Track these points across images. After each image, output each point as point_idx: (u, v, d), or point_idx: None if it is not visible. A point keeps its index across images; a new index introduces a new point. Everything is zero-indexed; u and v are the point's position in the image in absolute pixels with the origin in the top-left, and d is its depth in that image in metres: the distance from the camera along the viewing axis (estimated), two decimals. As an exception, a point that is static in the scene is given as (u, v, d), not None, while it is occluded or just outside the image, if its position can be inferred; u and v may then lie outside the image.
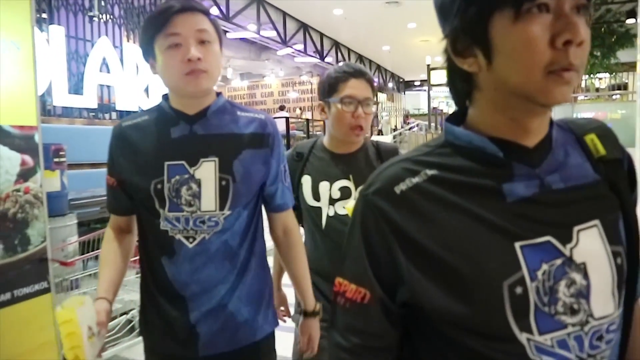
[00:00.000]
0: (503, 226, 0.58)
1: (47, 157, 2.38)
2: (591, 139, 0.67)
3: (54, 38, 4.73)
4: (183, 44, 1.10)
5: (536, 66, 0.55)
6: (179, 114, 1.19)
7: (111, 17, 5.94)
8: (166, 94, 1.25)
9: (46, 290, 2.22)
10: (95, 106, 5.18)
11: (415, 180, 0.62)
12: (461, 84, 0.64)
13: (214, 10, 8.87)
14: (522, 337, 0.57)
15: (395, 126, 18.47)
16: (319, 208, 1.58)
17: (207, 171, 1.17)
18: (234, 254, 1.22)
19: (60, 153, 3.01)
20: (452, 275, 0.58)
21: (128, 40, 6.05)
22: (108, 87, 5.43)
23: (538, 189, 0.60)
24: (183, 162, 1.16)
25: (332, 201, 1.57)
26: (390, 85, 21.21)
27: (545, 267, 0.58)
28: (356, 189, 1.57)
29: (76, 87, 5.06)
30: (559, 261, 0.58)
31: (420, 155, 0.65)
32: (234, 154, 1.19)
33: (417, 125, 16.51)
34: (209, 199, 1.17)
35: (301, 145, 1.67)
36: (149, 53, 1.16)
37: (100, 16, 5.74)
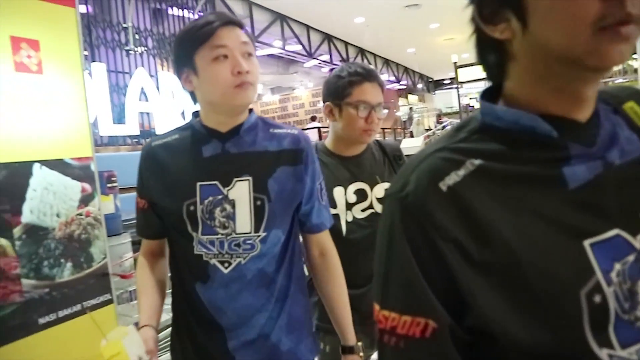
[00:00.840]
0: (568, 221, 0.49)
1: (101, 183, 2.66)
2: (630, 107, 0.58)
3: (97, 74, 5.14)
4: (230, 56, 1.07)
5: (582, 22, 0.46)
6: (211, 132, 1.15)
7: (145, 49, 6.35)
8: (197, 112, 1.21)
9: (109, 302, 2.50)
10: (138, 133, 5.56)
11: (462, 172, 0.51)
12: (493, 56, 0.55)
13: (240, 32, 9.25)
14: (603, 353, 0.47)
15: (429, 126, 18.40)
16: (337, 215, 1.51)
17: (241, 191, 1.12)
18: (271, 281, 1.16)
19: (112, 179, 3.31)
20: (519, 288, 0.48)
21: (162, 69, 6.45)
22: (147, 114, 5.82)
23: (602, 170, 0.51)
24: (216, 182, 1.12)
25: (349, 206, 1.52)
26: (419, 86, 21.16)
27: (618, 266, 0.48)
28: (371, 189, 1.53)
29: (119, 117, 5.45)
30: (631, 257, 0.49)
31: (458, 142, 0.55)
32: (268, 172, 1.14)
33: (450, 123, 16.45)
34: (243, 220, 1.12)
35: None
36: (187, 65, 1.11)
37: (136, 49, 6.15)
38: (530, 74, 0.53)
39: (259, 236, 1.13)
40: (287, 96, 18.90)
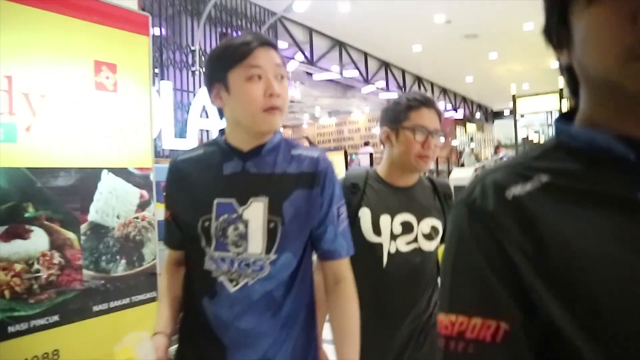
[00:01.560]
0: None
1: (158, 192, 2.89)
2: None
3: (164, 91, 5.60)
4: (263, 78, 1.08)
5: (614, 50, 0.47)
6: (233, 150, 1.15)
7: (210, 70, 6.82)
8: (223, 129, 1.20)
9: (154, 299, 2.78)
10: (197, 148, 5.96)
11: (529, 187, 0.51)
12: (567, 78, 0.57)
13: (299, 56, 9.64)
14: None
15: (486, 157, 18.10)
16: (380, 244, 1.46)
17: (255, 211, 1.11)
18: (278, 306, 1.14)
19: (168, 188, 3.65)
20: (581, 303, 0.46)
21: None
22: (207, 131, 6.23)
23: None
24: (233, 200, 1.11)
25: (393, 237, 1.46)
26: (477, 115, 20.91)
27: None
28: (418, 223, 1.48)
29: (181, 132, 5.88)
30: None
31: (529, 161, 0.55)
32: (284, 194, 1.13)
33: (506, 156, 16.12)
34: (256, 241, 1.11)
35: (353, 175, 1.55)
36: (219, 81, 1.11)
37: (201, 70, 6.63)
38: (593, 95, 0.53)
39: (269, 258, 1.11)
40: (344, 120, 19.22)
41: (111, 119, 2.68)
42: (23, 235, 2.26)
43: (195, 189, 1.15)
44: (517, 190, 0.51)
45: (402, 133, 1.46)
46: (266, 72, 1.08)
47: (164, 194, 1.26)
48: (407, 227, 1.48)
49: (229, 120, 1.16)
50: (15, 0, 2.29)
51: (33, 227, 2.29)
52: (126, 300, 2.65)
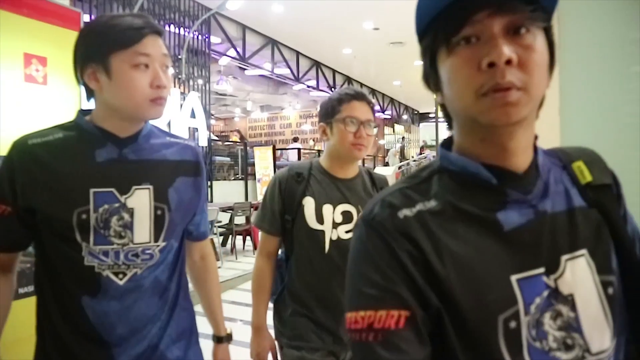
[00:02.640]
0: (500, 258, 0.58)
1: None
2: (578, 165, 0.67)
3: (92, 81, 5.60)
4: (151, 67, 1.03)
5: (468, 90, 0.57)
6: (106, 135, 1.07)
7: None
8: (85, 110, 1.12)
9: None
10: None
11: (416, 209, 0.61)
12: (443, 114, 0.67)
13: (231, 52, 9.76)
14: None
15: (412, 156, 18.99)
16: (322, 232, 1.53)
17: (140, 200, 1.07)
18: (165, 289, 1.14)
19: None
20: (453, 304, 0.57)
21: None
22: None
23: (533, 216, 0.60)
24: (112, 189, 1.05)
25: (335, 225, 1.54)
26: (404, 117, 21.85)
27: (537, 300, 0.57)
28: (357, 213, 1.56)
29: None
30: (545, 293, 0.58)
31: (419, 183, 0.65)
32: (168, 181, 1.13)
33: (426, 156, 17.04)
34: (142, 230, 1.07)
35: (298, 165, 1.62)
36: (97, 61, 1.01)
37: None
38: (462, 129, 0.64)
39: (158, 246, 1.10)
40: (276, 115, 19.40)
41: (40, 110, 2.80)
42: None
43: (61, 178, 1.03)
44: (406, 212, 0.61)
45: (335, 125, 1.53)
46: (154, 61, 1.04)
47: None
48: (347, 217, 1.55)
49: (104, 104, 1.06)
50: (-54, -8, 2.38)
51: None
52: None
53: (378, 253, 0.59)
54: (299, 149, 11.41)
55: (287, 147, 13.69)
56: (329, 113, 1.55)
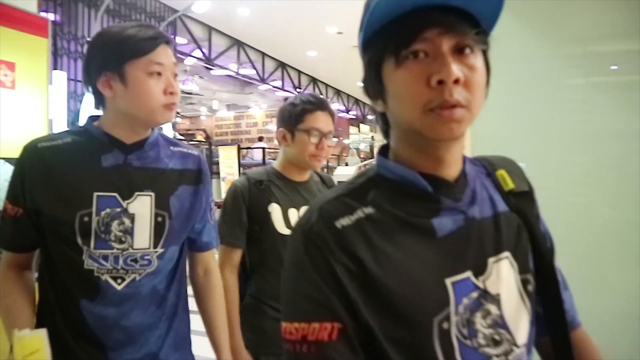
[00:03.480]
0: (435, 262, 0.61)
1: None
2: (501, 174, 0.72)
3: (57, 81, 5.68)
4: (163, 75, 1.08)
5: (415, 105, 0.58)
6: (113, 141, 1.10)
7: (105, 61, 6.93)
8: (94, 117, 1.16)
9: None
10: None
11: (354, 217, 0.62)
12: (381, 124, 0.69)
13: (197, 53, 9.89)
14: None
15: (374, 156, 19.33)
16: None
17: (142, 206, 1.09)
18: (162, 298, 1.15)
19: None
20: (388, 308, 0.58)
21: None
22: (100, 121, 6.36)
23: (463, 223, 0.63)
24: (115, 194, 1.08)
25: None
26: (370, 117, 22.27)
27: (465, 301, 0.60)
28: None
29: (73, 121, 5.98)
30: (475, 294, 0.61)
31: (357, 190, 0.66)
32: (170, 189, 1.15)
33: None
34: (142, 236, 1.09)
35: (255, 173, 1.61)
36: (112, 70, 1.05)
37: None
38: (400, 139, 0.65)
39: (156, 252, 1.11)
40: (242, 114, 19.47)
41: (9, 113, 2.96)
42: None
43: (67, 181, 1.06)
44: (344, 221, 0.61)
45: (297, 135, 1.52)
46: (166, 70, 1.08)
47: (10, 185, 1.09)
48: None
49: (115, 110, 1.10)
50: None
51: None
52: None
53: (313, 265, 0.60)
54: (263, 149, 11.56)
55: (252, 147, 13.84)
56: (291, 120, 1.53)
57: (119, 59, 1.05)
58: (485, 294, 0.62)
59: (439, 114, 0.58)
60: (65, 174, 1.07)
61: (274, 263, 1.53)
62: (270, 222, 1.51)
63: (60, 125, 5.67)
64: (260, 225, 1.51)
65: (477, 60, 0.60)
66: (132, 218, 1.09)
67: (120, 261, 1.08)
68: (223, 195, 9.43)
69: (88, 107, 5.99)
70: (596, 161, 1.69)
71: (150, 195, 1.11)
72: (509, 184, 0.71)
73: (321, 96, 1.60)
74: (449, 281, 0.60)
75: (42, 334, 0.94)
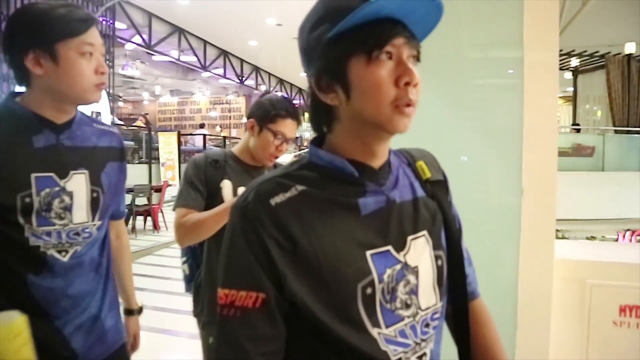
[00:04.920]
0: (358, 237, 0.68)
1: None
2: (420, 164, 0.81)
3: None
4: (94, 55, 1.11)
5: (385, 101, 0.66)
6: (43, 122, 1.11)
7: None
8: (16, 93, 1.14)
9: None
10: None
11: (288, 194, 0.68)
12: (322, 115, 0.73)
13: (137, 39, 9.95)
14: (374, 332, 0.67)
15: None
16: None
17: (78, 183, 1.15)
18: (98, 264, 1.23)
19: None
20: (317, 277, 0.66)
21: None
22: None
23: (385, 204, 0.72)
24: (52, 174, 1.11)
25: None
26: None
27: (389, 271, 0.69)
28: None
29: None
30: (398, 266, 0.70)
31: (291, 173, 0.72)
32: (100, 166, 1.21)
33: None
34: (80, 211, 1.16)
35: (212, 153, 1.73)
36: (41, 48, 1.05)
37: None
38: (348, 131, 0.71)
39: (94, 224, 1.19)
40: (187, 100, 19.39)
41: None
42: None
43: (1, 164, 1.07)
44: (279, 198, 0.67)
45: (264, 131, 1.62)
46: (96, 50, 1.11)
47: None
48: None
49: (43, 88, 1.09)
50: None
51: None
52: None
53: (247, 241, 0.66)
54: (204, 135, 11.80)
55: (192, 133, 13.98)
56: (264, 116, 1.63)
57: (50, 37, 1.06)
58: (406, 266, 0.70)
59: (402, 111, 0.66)
60: None
61: (222, 234, 1.75)
62: (221, 196, 1.62)
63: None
64: (213, 198, 1.61)
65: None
66: (70, 195, 1.13)
67: (64, 235, 1.13)
68: (162, 180, 9.65)
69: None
70: (492, 153, 1.94)
71: (85, 173, 1.17)
72: (427, 173, 0.80)
73: (294, 103, 1.70)
74: (369, 253, 0.68)
75: (21, 315, 0.98)
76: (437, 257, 0.76)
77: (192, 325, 1.77)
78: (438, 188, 0.81)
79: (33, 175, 1.08)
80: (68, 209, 1.13)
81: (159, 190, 8.08)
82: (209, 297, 1.63)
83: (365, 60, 0.66)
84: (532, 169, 1.87)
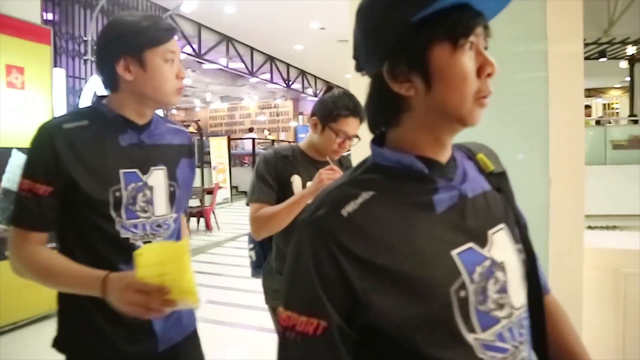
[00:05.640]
0: (439, 236, 0.64)
1: None
2: (481, 157, 0.77)
3: (57, 78, 6.24)
4: (175, 62, 1.20)
5: (469, 93, 0.62)
6: (127, 123, 1.21)
7: (100, 59, 7.47)
8: (101, 97, 1.24)
9: (55, 248, 3.72)
10: (86, 129, 6.64)
11: (359, 201, 0.63)
12: (390, 107, 0.67)
13: (187, 49, 10.39)
14: (470, 337, 0.61)
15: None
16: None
17: (157, 178, 1.23)
18: None
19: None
20: (405, 288, 0.60)
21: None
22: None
23: (458, 199, 0.67)
24: (136, 169, 1.20)
25: None
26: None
27: (479, 269, 0.64)
28: None
29: (72, 115, 6.57)
30: (487, 263, 0.65)
31: (357, 178, 0.68)
32: (176, 162, 1.30)
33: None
34: (161, 204, 1.23)
35: (281, 149, 1.79)
36: (131, 55, 1.15)
37: (92, 58, 7.30)
38: (420, 124, 0.66)
39: (172, 217, 1.27)
40: (236, 105, 19.95)
41: (19, 109, 3.57)
42: (-47, 195, 3.13)
43: (95, 160, 1.14)
44: (350, 207, 0.62)
45: (327, 130, 1.67)
46: (176, 57, 1.20)
47: (37, 164, 1.11)
48: None
49: (130, 92, 1.18)
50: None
51: (-40, 190, 3.16)
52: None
53: (314, 258, 0.61)
54: (253, 139, 12.14)
55: (242, 137, 14.37)
56: (327, 116, 1.67)
57: (139, 45, 1.15)
58: (494, 263, 0.66)
59: (482, 103, 0.63)
60: (92, 153, 1.15)
61: (291, 228, 1.64)
62: (291, 190, 1.68)
63: (61, 119, 6.24)
64: (284, 192, 1.67)
65: None
66: (151, 189, 1.21)
67: (148, 227, 1.20)
68: (214, 182, 10.05)
69: (85, 101, 6.56)
70: (519, 143, 2.01)
71: (163, 169, 1.25)
72: (490, 166, 0.76)
73: (358, 100, 1.69)
74: (454, 252, 0.63)
75: (185, 239, 1.11)
76: (519, 251, 0.72)
77: (244, 317, 1.88)
78: (502, 180, 0.77)
79: (121, 171, 1.17)
80: (150, 202, 1.21)
81: (210, 192, 8.47)
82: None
83: (450, 48, 0.61)
84: (559, 159, 1.90)
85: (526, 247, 0.74)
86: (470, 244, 0.65)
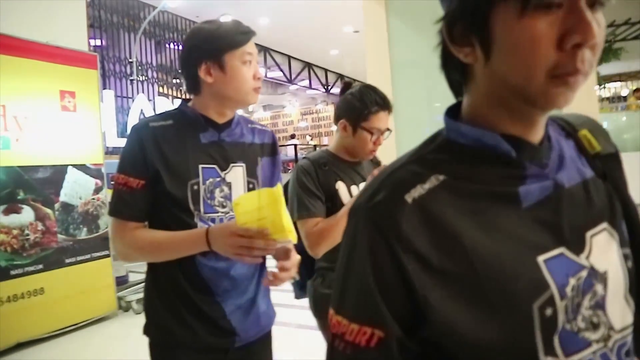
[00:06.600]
0: (524, 237, 0.50)
1: (107, 180, 4.09)
2: (584, 134, 0.60)
3: (106, 98, 6.67)
4: (253, 63, 1.23)
5: (538, 68, 0.47)
6: (208, 122, 1.26)
7: (145, 78, 7.92)
8: (187, 100, 1.32)
9: (107, 256, 4.02)
10: (135, 145, 7.01)
11: (427, 186, 0.51)
12: (456, 73, 0.56)
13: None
14: None
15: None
16: None
17: (236, 175, 1.26)
18: None
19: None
20: (478, 298, 0.48)
21: (159, 94, 7.99)
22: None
23: (552, 191, 0.53)
24: (215, 166, 1.23)
25: None
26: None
27: (572, 281, 0.50)
28: None
29: (122, 132, 6.96)
30: (584, 273, 0.51)
31: (426, 157, 0.55)
32: (256, 160, 1.31)
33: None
34: None
35: (316, 156, 1.69)
36: (212, 59, 1.20)
37: (139, 78, 7.74)
38: (489, 97, 0.53)
39: None
40: (278, 113, 20.22)
41: (73, 129, 3.89)
42: (17, 210, 3.47)
43: (177, 155, 1.21)
44: (416, 192, 0.50)
45: (359, 130, 1.59)
46: (254, 58, 1.24)
47: (128, 160, 1.20)
48: None
49: (211, 94, 1.24)
50: (6, 53, 3.47)
51: (23, 206, 3.50)
52: (87, 256, 3.89)
53: (371, 254, 0.50)
54: (295, 145, 12.34)
55: (283, 145, 14.64)
56: (356, 116, 1.59)
57: (218, 49, 1.20)
58: (595, 273, 0.52)
59: (564, 82, 0.47)
60: (174, 149, 1.20)
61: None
62: (339, 199, 1.60)
63: (112, 136, 6.67)
64: (331, 201, 1.59)
65: (602, 18, 0.48)
66: (229, 186, 1.25)
67: (225, 222, 1.22)
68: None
69: (134, 118, 6.95)
70: None
71: (242, 166, 1.28)
72: (595, 146, 0.60)
73: (383, 93, 1.62)
74: (541, 259, 0.49)
75: (278, 185, 1.12)
76: (626, 257, 0.56)
77: (297, 317, 1.75)
78: (611, 164, 0.60)
79: (200, 166, 1.22)
80: (228, 198, 1.24)
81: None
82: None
83: (518, 9, 0.46)
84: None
85: (638, 247, 0.58)
86: (561, 249, 0.51)
